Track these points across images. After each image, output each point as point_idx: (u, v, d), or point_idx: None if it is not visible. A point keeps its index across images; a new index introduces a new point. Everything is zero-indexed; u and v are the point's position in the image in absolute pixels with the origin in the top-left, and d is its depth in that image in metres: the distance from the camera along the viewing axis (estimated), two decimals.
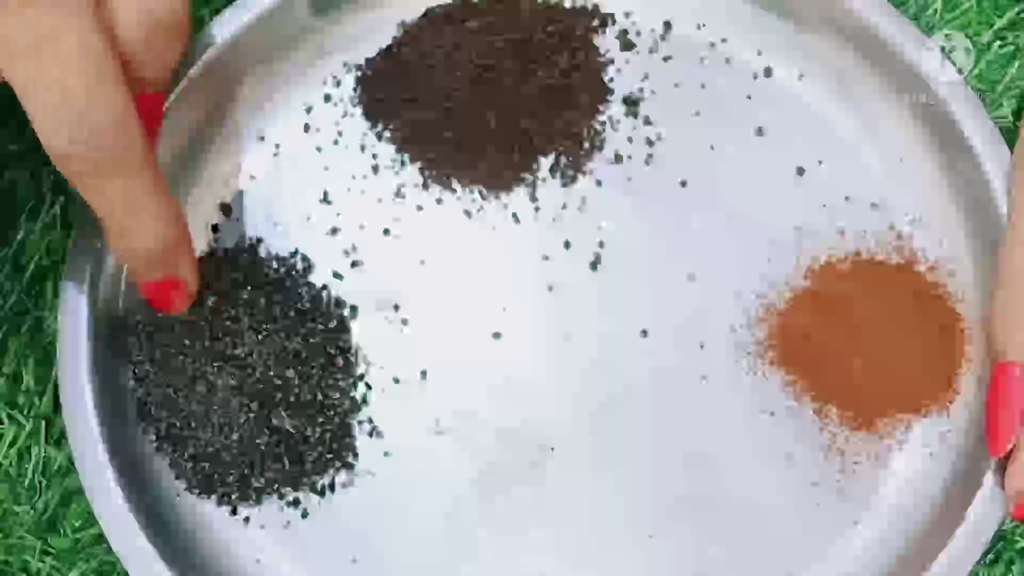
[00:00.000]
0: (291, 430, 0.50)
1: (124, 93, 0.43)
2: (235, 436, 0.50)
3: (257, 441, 0.50)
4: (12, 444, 0.52)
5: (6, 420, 0.52)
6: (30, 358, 0.52)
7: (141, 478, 0.50)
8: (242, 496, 0.51)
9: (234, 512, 0.51)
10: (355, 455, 0.51)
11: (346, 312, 0.52)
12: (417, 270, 0.53)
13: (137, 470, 0.50)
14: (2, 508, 0.52)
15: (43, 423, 0.52)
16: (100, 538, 0.50)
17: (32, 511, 0.52)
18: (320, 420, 0.51)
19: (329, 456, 0.51)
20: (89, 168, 0.42)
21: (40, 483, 0.52)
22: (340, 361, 0.51)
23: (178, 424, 0.50)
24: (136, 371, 0.51)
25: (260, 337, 0.50)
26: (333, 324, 0.52)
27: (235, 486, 0.51)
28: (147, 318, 0.51)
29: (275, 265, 0.52)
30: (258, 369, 0.50)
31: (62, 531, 0.52)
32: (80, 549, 0.51)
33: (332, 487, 0.51)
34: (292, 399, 0.50)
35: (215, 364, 0.50)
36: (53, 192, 0.53)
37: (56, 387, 0.50)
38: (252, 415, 0.50)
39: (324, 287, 0.52)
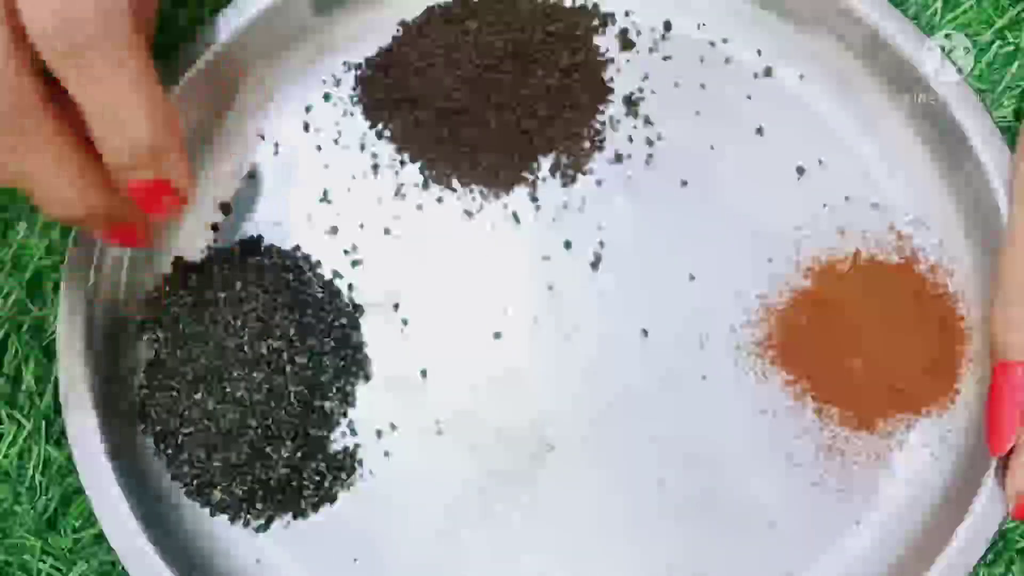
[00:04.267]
0: (288, 470, 0.50)
1: None
2: (233, 456, 0.50)
3: (257, 472, 0.50)
4: (12, 444, 0.52)
5: (6, 420, 0.52)
6: (30, 358, 0.52)
7: (141, 478, 0.50)
8: (235, 516, 0.51)
9: (233, 520, 0.51)
10: (352, 485, 0.52)
11: (353, 311, 0.52)
12: (417, 269, 0.53)
13: (137, 470, 0.50)
14: (2, 508, 0.52)
15: (43, 423, 0.52)
16: (100, 538, 0.50)
17: (32, 511, 0.52)
18: (320, 456, 0.51)
19: (327, 488, 0.51)
20: (72, 52, 0.41)
21: (40, 483, 0.52)
22: (349, 361, 0.51)
23: (178, 428, 0.50)
24: (136, 371, 0.51)
25: (262, 336, 0.50)
26: (343, 322, 0.52)
27: (231, 505, 0.51)
28: (148, 318, 0.51)
29: (277, 264, 0.52)
30: (259, 370, 0.50)
31: (62, 531, 0.52)
32: (80, 549, 0.51)
33: (333, 498, 0.51)
34: (293, 409, 0.50)
35: (215, 363, 0.50)
36: None
37: (56, 387, 0.50)
38: (253, 430, 0.50)
39: (330, 284, 0.52)
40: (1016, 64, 0.53)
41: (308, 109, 0.54)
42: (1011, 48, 0.54)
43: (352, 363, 0.52)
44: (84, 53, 0.41)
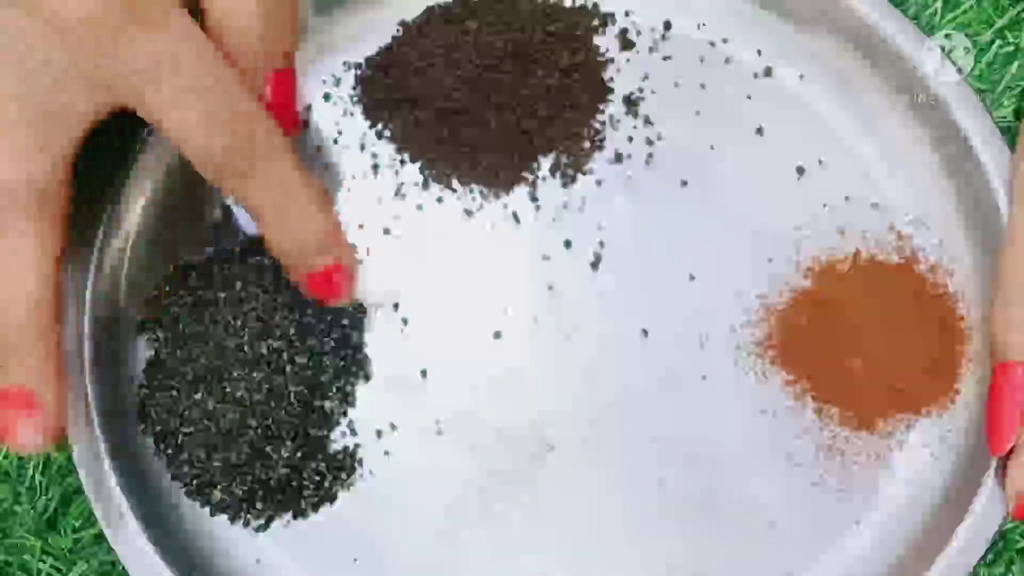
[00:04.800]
0: (288, 470, 0.50)
1: (246, 90, 0.44)
2: (233, 456, 0.50)
3: (257, 472, 0.50)
4: None
5: None
6: None
7: (141, 478, 0.50)
8: (235, 516, 0.51)
9: (233, 520, 0.51)
10: (352, 485, 0.52)
11: (353, 311, 0.52)
12: (417, 269, 0.53)
13: (137, 470, 0.50)
14: (2, 508, 0.52)
15: None
16: (100, 538, 0.50)
17: (32, 511, 0.51)
18: (320, 456, 0.51)
19: (327, 488, 0.51)
20: (238, 169, 0.44)
21: (40, 483, 0.52)
22: (349, 360, 0.51)
23: (178, 428, 0.50)
24: (136, 370, 0.51)
25: (262, 336, 0.50)
26: (343, 322, 0.52)
27: (231, 505, 0.51)
28: (148, 318, 0.51)
29: (277, 263, 0.52)
30: (260, 370, 0.50)
31: (62, 531, 0.52)
32: (80, 549, 0.51)
33: (333, 498, 0.51)
34: (293, 409, 0.50)
35: (215, 363, 0.50)
36: None
37: None
38: (253, 430, 0.50)
39: None
40: (1016, 64, 0.53)
41: (308, 109, 0.54)
42: (1011, 48, 0.54)
43: (352, 363, 0.52)
44: (247, 164, 0.44)
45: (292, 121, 0.48)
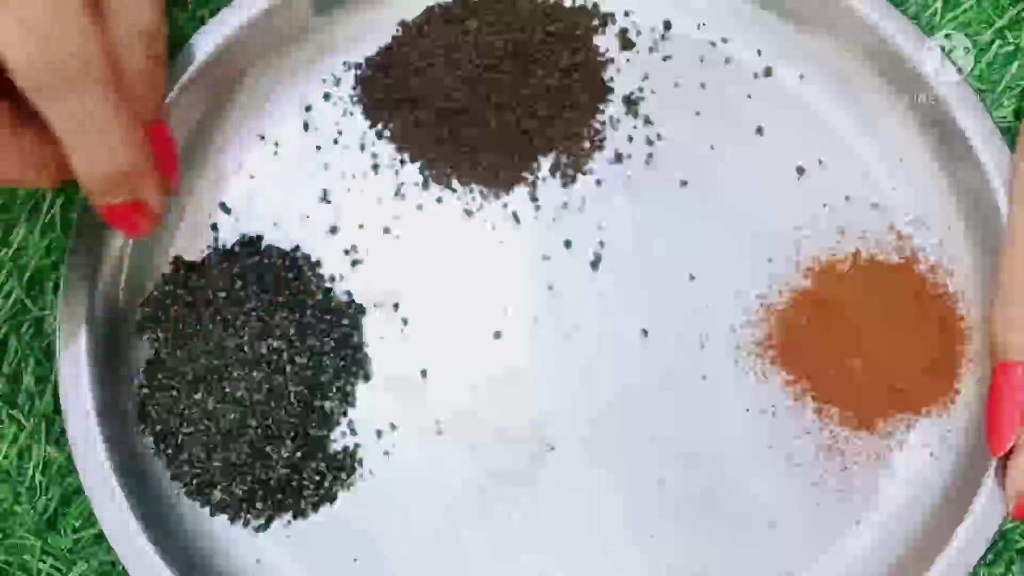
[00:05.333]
0: (288, 470, 0.50)
1: (86, 19, 0.42)
2: (233, 456, 0.50)
3: (257, 472, 0.50)
4: (12, 444, 0.52)
5: (6, 420, 0.52)
6: (30, 358, 0.52)
7: (141, 478, 0.50)
8: (235, 516, 0.51)
9: (233, 520, 0.51)
10: (352, 485, 0.52)
11: (353, 311, 0.52)
12: (417, 269, 0.53)
13: (137, 470, 0.50)
14: (2, 508, 0.52)
15: (43, 423, 0.52)
16: (100, 538, 0.50)
17: (32, 511, 0.51)
18: (320, 456, 0.51)
19: (327, 488, 0.51)
20: (48, 86, 0.42)
21: (40, 483, 0.52)
22: (349, 360, 0.51)
23: (178, 427, 0.50)
24: (136, 370, 0.51)
25: (262, 336, 0.50)
26: (342, 321, 0.52)
27: (231, 505, 0.51)
28: (148, 318, 0.51)
29: (277, 264, 0.52)
30: (260, 370, 0.50)
31: (62, 531, 0.52)
32: (80, 549, 0.51)
33: (333, 498, 0.51)
34: (293, 409, 0.50)
35: (215, 363, 0.50)
36: (53, 192, 0.53)
37: (56, 387, 0.50)
38: (253, 430, 0.50)
39: (330, 288, 0.52)
40: (1016, 64, 0.53)
41: (308, 109, 0.54)
42: (1011, 48, 0.53)
43: (352, 363, 0.52)
44: (60, 86, 0.42)
45: (169, 166, 0.48)
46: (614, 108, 0.54)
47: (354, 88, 0.54)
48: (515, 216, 0.53)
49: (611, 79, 0.54)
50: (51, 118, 0.43)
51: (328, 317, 0.52)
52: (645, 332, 0.52)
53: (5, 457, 0.52)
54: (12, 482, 0.52)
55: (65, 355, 0.50)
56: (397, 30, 0.54)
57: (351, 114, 0.54)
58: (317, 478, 0.51)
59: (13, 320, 0.52)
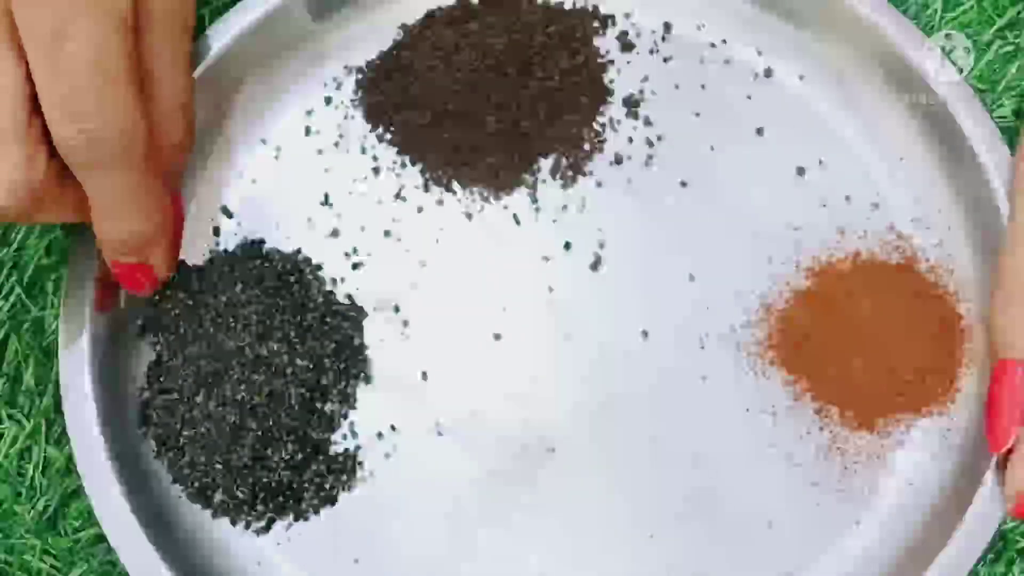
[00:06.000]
0: (289, 472, 0.50)
1: (132, 98, 0.44)
2: (234, 459, 0.50)
3: (258, 475, 0.50)
4: (12, 444, 0.52)
5: (6, 420, 0.52)
6: (30, 358, 0.52)
7: (141, 478, 0.50)
8: (237, 519, 0.51)
9: (234, 522, 0.51)
10: (353, 487, 0.52)
11: (354, 313, 0.52)
12: (418, 272, 0.53)
13: (137, 471, 0.50)
14: (2, 508, 0.52)
15: (43, 423, 0.52)
16: (100, 538, 0.50)
17: (32, 511, 0.52)
18: (321, 458, 0.51)
19: (328, 490, 0.51)
20: (87, 161, 0.44)
21: (40, 483, 0.52)
22: (350, 363, 0.52)
23: (179, 430, 0.50)
24: (137, 373, 0.51)
25: (263, 339, 0.50)
26: (343, 324, 0.52)
27: (233, 508, 0.51)
28: (149, 320, 0.51)
29: (279, 267, 0.52)
30: (261, 372, 0.50)
31: (62, 531, 0.52)
32: (80, 549, 0.51)
33: (334, 500, 0.51)
34: (294, 412, 0.50)
35: (217, 366, 0.50)
36: None
37: (56, 387, 0.51)
38: (254, 432, 0.50)
39: (331, 291, 0.52)
40: (1016, 64, 0.53)
41: (309, 113, 0.54)
42: (1011, 48, 0.53)
43: (353, 365, 0.52)
44: (99, 161, 0.44)
45: (178, 233, 0.51)
46: (614, 110, 0.54)
47: (355, 92, 0.55)
48: (515, 218, 0.53)
49: (611, 81, 0.54)
50: (87, 186, 0.45)
51: (329, 320, 0.52)
52: (645, 333, 0.52)
53: (5, 457, 0.52)
54: (12, 482, 0.52)
55: (65, 355, 0.50)
56: (398, 34, 0.54)
57: (352, 118, 0.54)
58: (318, 480, 0.51)
59: (13, 320, 0.52)
